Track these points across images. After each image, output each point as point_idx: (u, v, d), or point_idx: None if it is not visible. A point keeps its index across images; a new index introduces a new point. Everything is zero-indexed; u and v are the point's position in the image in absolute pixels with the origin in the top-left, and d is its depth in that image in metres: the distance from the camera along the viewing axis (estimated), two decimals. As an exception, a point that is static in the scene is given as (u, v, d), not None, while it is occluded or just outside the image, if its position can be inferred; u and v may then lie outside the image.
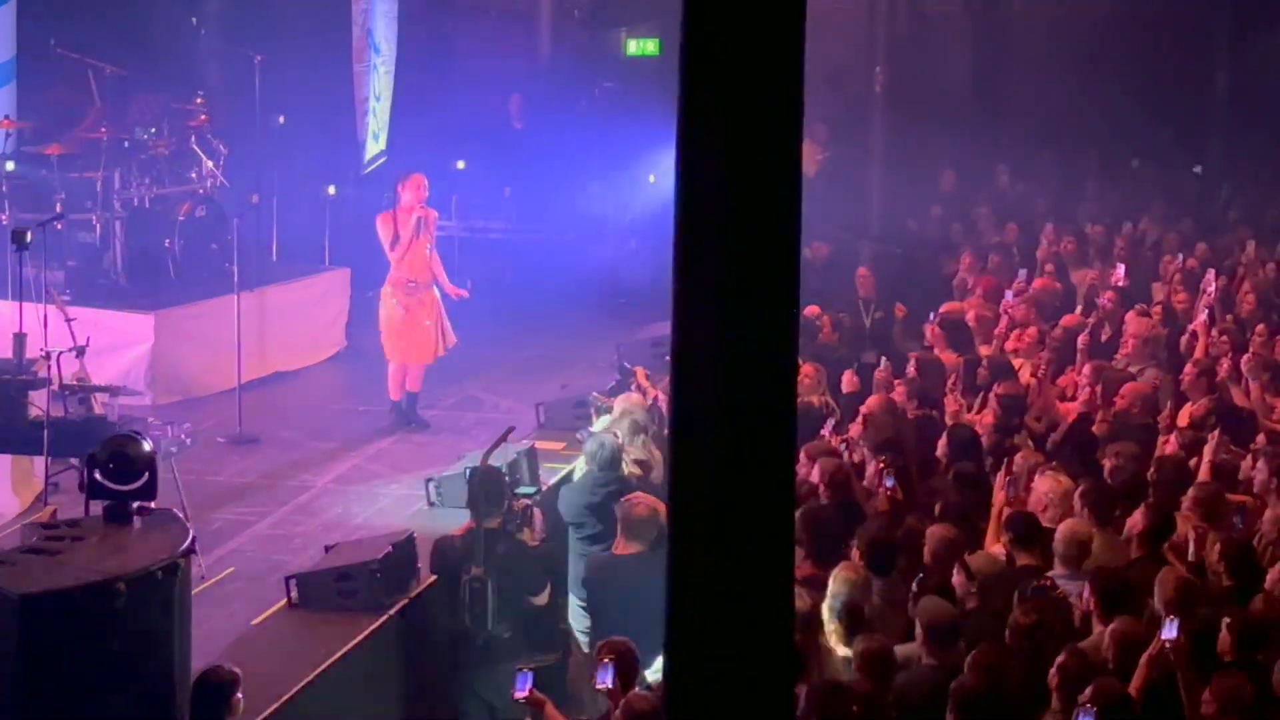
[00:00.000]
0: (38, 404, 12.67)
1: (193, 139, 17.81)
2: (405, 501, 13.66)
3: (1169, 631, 8.21)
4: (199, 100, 18.25)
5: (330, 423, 15.98)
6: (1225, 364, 13.57)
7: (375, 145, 19.33)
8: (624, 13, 24.09)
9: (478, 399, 16.75)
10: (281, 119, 19.90)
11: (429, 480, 13.44)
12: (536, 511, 11.19)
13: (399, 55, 19.55)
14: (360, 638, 10.80)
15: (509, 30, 21.94)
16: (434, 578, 11.57)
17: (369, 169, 19.34)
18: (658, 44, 24.18)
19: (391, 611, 11.11)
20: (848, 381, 14.01)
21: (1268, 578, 9.31)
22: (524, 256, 20.70)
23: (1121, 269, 17.15)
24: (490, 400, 16.77)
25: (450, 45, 21.06)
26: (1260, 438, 11.87)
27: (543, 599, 10.86)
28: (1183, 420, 12.56)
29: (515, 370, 17.78)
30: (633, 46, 24.69)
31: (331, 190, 20.01)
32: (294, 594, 11.25)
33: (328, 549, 11.85)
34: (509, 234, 21.42)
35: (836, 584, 9.14)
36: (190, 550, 8.98)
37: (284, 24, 19.66)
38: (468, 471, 11.68)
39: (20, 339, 13.30)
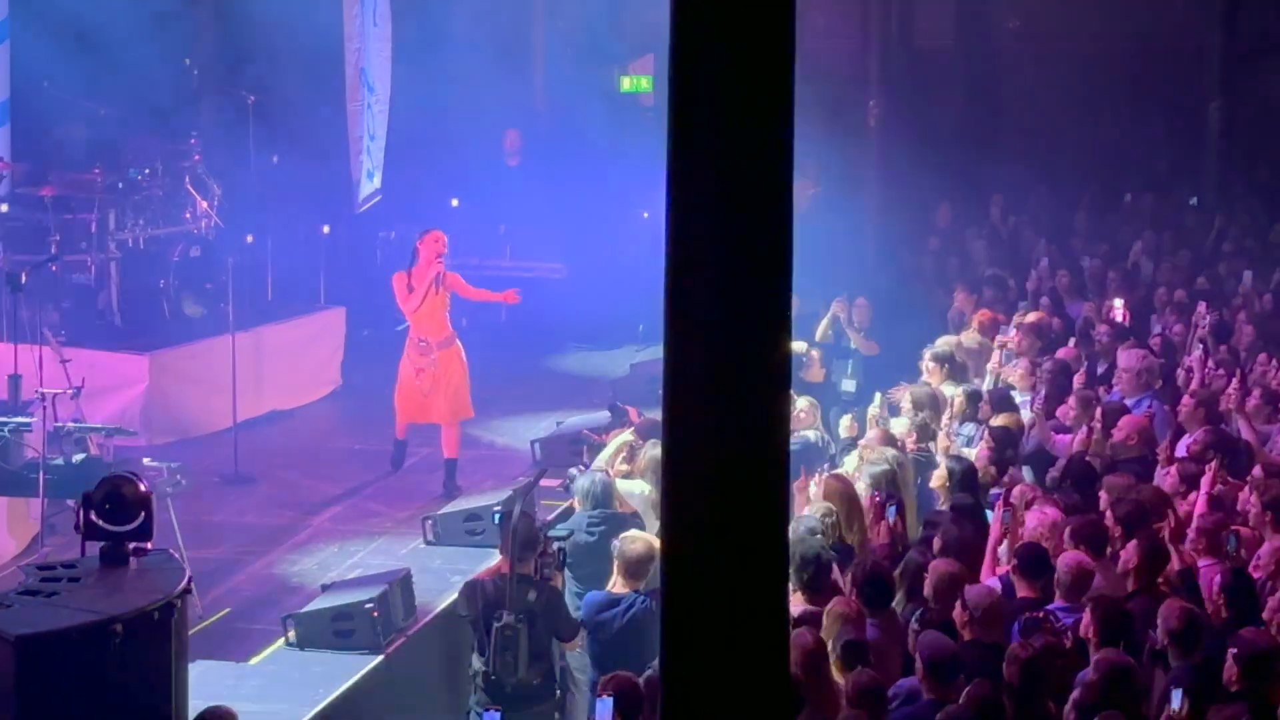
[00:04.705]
0: (33, 445, 12.66)
1: (187, 180, 17.83)
2: (402, 539, 13.65)
3: (1175, 703, 8.13)
4: (193, 141, 18.26)
5: (326, 461, 15.96)
6: (1223, 396, 13.58)
7: (370, 184, 19.32)
8: (618, 50, 24.12)
9: (473, 437, 16.72)
10: (275, 159, 19.91)
11: (425, 518, 13.42)
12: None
13: (393, 94, 19.56)
14: (357, 676, 10.79)
15: (503, 68, 21.94)
16: (431, 616, 11.53)
17: (364, 208, 19.33)
18: (651, 81, 24.21)
19: (389, 650, 11.09)
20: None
21: (1266, 608, 9.30)
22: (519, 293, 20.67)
23: (1120, 303, 17.11)
24: (486, 438, 16.75)
25: (444, 83, 21.06)
26: (1257, 470, 11.84)
27: (577, 644, 10.69)
28: (1181, 452, 12.54)
29: (511, 408, 17.75)
30: (626, 83, 24.73)
31: (326, 229, 20.03)
32: (291, 633, 11.24)
33: (324, 588, 11.84)
34: (504, 271, 21.39)
35: (830, 619, 9.13)
36: (187, 590, 8.98)
37: (277, 64, 19.69)
38: (498, 515, 11.55)
39: (15, 380, 13.31)
